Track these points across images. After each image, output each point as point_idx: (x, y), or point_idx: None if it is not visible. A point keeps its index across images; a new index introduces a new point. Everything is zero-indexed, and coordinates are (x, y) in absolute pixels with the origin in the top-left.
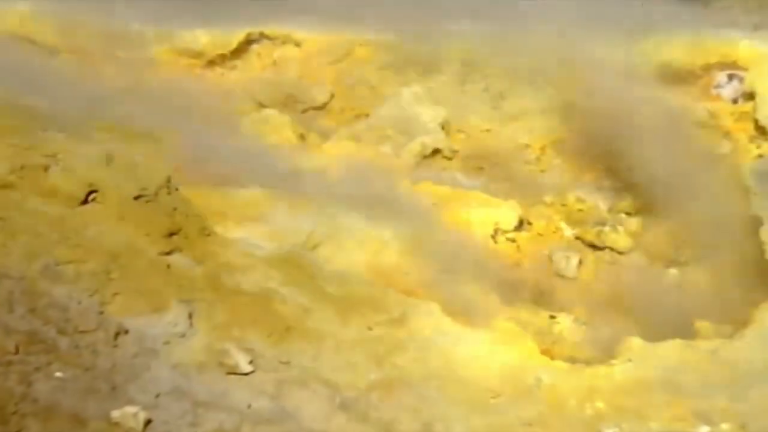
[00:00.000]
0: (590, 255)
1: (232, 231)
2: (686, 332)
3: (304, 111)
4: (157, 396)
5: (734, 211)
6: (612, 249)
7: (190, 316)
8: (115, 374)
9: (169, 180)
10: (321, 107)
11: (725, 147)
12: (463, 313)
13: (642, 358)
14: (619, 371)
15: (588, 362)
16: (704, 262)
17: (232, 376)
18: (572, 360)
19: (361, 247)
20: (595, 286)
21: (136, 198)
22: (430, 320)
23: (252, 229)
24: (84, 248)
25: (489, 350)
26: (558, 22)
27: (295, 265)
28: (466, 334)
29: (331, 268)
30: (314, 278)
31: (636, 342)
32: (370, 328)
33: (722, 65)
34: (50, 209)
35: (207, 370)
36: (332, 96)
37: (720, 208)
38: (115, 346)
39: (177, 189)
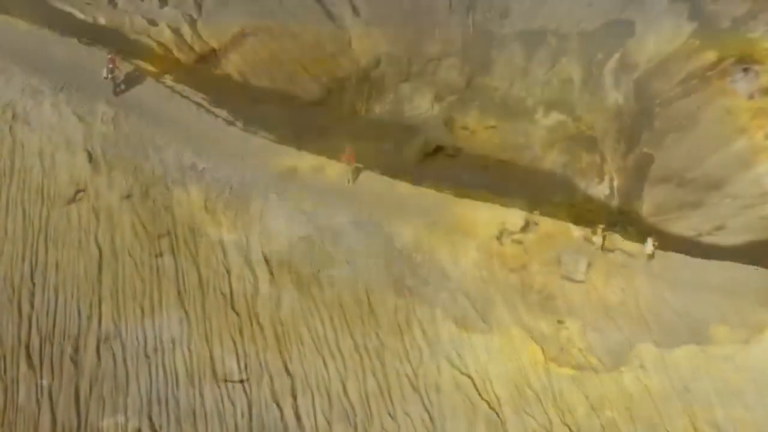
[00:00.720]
0: (600, 257)
1: (225, 233)
2: (700, 338)
3: (300, 107)
4: (147, 404)
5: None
6: (623, 251)
7: (181, 321)
8: (103, 382)
9: (160, 179)
10: (317, 103)
11: (740, 143)
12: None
13: (654, 365)
14: (629, 379)
15: (597, 369)
16: (716, 263)
17: (225, 384)
18: (581, 367)
19: (362, 249)
20: (605, 289)
21: (126, 198)
22: (433, 326)
23: (246, 232)
24: (71, 250)
25: (494, 357)
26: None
27: (292, 269)
28: (470, 340)
29: (330, 272)
30: (311, 283)
31: (648, 348)
32: (369, 335)
33: (738, 59)
34: (36, 210)
35: (199, 377)
36: (329, 91)
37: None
38: (104, 352)
39: (168, 189)
